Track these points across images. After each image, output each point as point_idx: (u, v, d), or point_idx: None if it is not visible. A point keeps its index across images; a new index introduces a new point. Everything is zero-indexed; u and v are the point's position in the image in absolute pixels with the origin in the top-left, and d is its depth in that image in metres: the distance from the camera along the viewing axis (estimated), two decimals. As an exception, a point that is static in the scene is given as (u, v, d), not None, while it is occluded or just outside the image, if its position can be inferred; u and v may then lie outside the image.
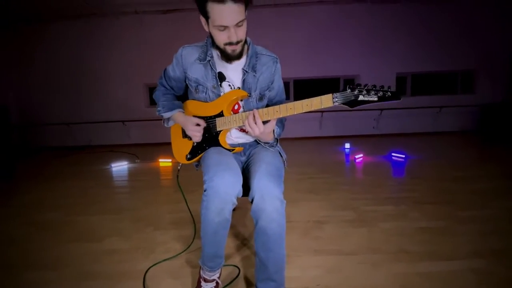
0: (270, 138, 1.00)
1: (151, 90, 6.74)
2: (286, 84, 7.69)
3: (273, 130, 1.01)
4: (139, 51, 6.22)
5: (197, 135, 1.02)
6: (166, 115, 1.09)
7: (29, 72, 6.53)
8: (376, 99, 0.79)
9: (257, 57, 1.05)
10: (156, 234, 1.57)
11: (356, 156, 3.69)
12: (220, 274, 1.00)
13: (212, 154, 0.97)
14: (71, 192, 2.54)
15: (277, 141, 1.09)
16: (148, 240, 1.50)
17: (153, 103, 6.77)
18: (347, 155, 4.05)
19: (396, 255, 1.25)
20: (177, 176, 1.25)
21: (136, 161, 4.34)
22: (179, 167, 1.21)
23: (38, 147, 6.43)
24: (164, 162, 3.95)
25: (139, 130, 6.56)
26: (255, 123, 0.90)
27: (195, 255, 1.31)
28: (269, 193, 0.82)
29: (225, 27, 0.85)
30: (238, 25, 0.85)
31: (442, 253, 1.25)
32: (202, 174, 0.94)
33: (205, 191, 0.84)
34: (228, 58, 0.96)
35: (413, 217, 1.67)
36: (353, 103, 0.81)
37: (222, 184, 0.81)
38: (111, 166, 3.83)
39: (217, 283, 0.97)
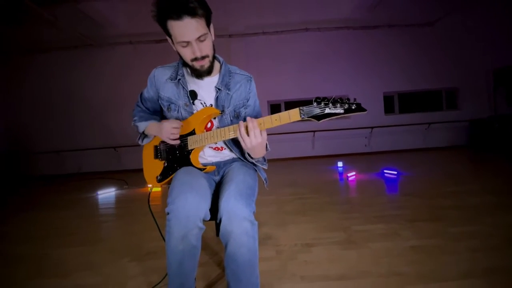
0: (263, 151, 0.96)
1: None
2: (277, 106, 7.85)
3: (266, 144, 0.97)
4: (132, 78, 6.36)
5: (174, 133, 0.98)
6: (140, 124, 1.07)
7: (19, 100, 6.55)
8: (342, 111, 0.78)
9: (230, 76, 1.06)
10: (130, 266, 1.45)
11: (349, 174, 3.66)
12: None
13: (180, 174, 0.92)
14: (49, 223, 2.40)
15: (265, 159, 1.06)
16: (120, 273, 1.38)
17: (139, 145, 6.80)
18: (340, 173, 4.01)
19: (386, 279, 1.16)
20: (148, 200, 1.19)
21: (125, 187, 4.22)
22: (149, 190, 1.16)
23: (25, 176, 6.26)
24: (154, 187, 3.84)
25: (131, 155, 6.49)
26: (253, 132, 0.84)
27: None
28: (236, 214, 0.76)
29: (187, 43, 0.85)
30: (200, 39, 0.86)
31: (434, 274, 1.17)
32: None
33: (167, 215, 0.78)
34: (198, 74, 0.96)
35: (404, 236, 1.59)
36: (320, 117, 0.79)
37: (184, 207, 0.75)
38: (97, 193, 3.70)
39: None
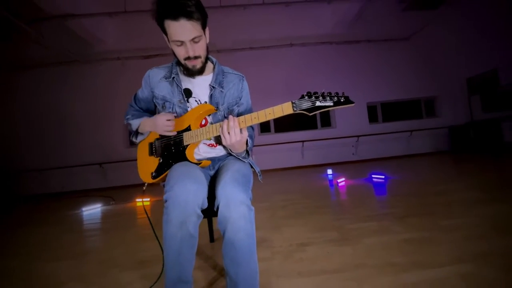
0: (243, 148, 0.99)
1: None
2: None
3: (246, 141, 1.00)
4: (120, 94, 6.32)
5: (169, 125, 0.99)
6: (133, 122, 1.07)
7: (3, 116, 6.32)
8: (331, 104, 0.83)
9: (223, 75, 1.10)
10: (121, 276, 1.39)
11: (339, 180, 3.71)
12: None
13: (176, 166, 0.93)
14: (32, 239, 2.27)
15: (248, 154, 1.07)
16: (112, 283, 1.32)
17: (132, 143, 6.67)
18: (330, 180, 4.06)
19: (382, 269, 1.18)
20: (142, 200, 1.17)
21: (111, 203, 4.06)
22: (144, 188, 1.14)
23: (5, 197, 5.90)
24: (142, 202, 3.72)
25: (117, 172, 6.31)
26: (233, 131, 0.88)
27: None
28: (234, 199, 0.77)
29: (182, 42, 0.90)
30: (194, 40, 0.91)
31: (428, 262, 1.20)
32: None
33: (165, 202, 0.77)
34: (190, 73, 0.99)
35: (396, 231, 1.62)
36: (311, 110, 0.84)
37: (183, 193, 0.75)
38: (81, 210, 3.54)
39: None
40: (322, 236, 1.66)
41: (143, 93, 1.11)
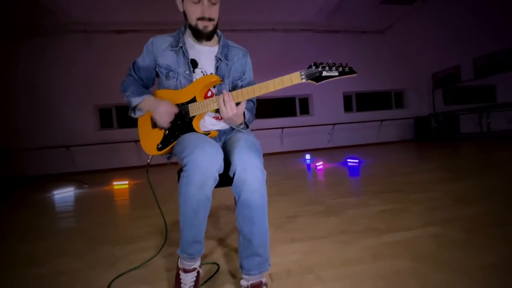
0: (240, 120, 1.02)
1: (103, 112, 6.27)
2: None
3: (244, 113, 1.03)
4: (89, 71, 5.84)
5: (166, 119, 0.98)
6: (135, 100, 1.03)
7: None
8: (337, 74, 0.89)
9: (228, 48, 1.11)
10: (114, 250, 1.37)
11: (317, 164, 3.91)
12: (200, 264, 0.92)
13: (188, 135, 0.94)
14: (6, 220, 2.12)
15: (247, 126, 1.11)
16: (105, 257, 1.30)
17: (105, 125, 6.27)
18: (308, 164, 4.25)
19: (364, 233, 1.32)
20: (147, 170, 1.16)
21: (85, 186, 3.87)
22: (148, 160, 1.13)
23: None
24: (120, 185, 3.60)
25: (87, 155, 5.94)
26: (229, 105, 0.91)
27: (168, 260, 1.19)
28: (251, 164, 0.81)
29: (199, 0, 0.91)
30: (212, 1, 0.92)
31: (402, 226, 1.37)
32: (179, 156, 0.89)
33: (184, 166, 0.79)
34: (199, 35, 0.99)
35: (373, 204, 1.80)
36: (318, 79, 0.89)
37: (204, 157, 0.77)
38: (53, 193, 3.33)
39: (198, 272, 0.88)
40: (309, 210, 1.78)
41: (144, 61, 1.07)
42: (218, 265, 1.11)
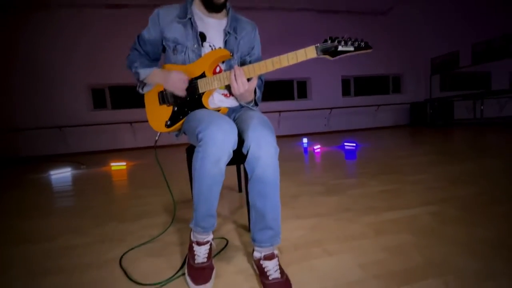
0: (250, 97, 1.01)
1: (95, 92, 6.10)
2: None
3: (254, 90, 1.02)
4: (81, 50, 5.60)
5: (182, 86, 0.96)
6: (142, 71, 1.01)
7: None
8: (352, 49, 0.88)
9: (237, 21, 1.07)
10: (122, 226, 1.40)
11: (315, 147, 3.96)
12: (213, 238, 0.95)
13: (200, 111, 0.93)
14: (3, 199, 2.11)
15: (257, 104, 1.10)
16: (114, 232, 1.33)
17: (98, 106, 6.12)
18: (305, 148, 4.29)
19: (365, 211, 1.37)
20: (155, 148, 1.16)
21: (82, 167, 3.84)
22: (156, 137, 1.13)
23: None
24: (117, 166, 3.58)
25: (80, 136, 5.84)
26: (241, 80, 0.90)
27: (177, 236, 1.22)
28: (265, 140, 0.81)
29: None
30: None
31: (401, 205, 1.42)
32: (191, 132, 0.88)
33: (200, 141, 0.79)
34: (212, 6, 0.96)
35: (372, 185, 1.85)
36: (333, 53, 0.87)
37: (219, 131, 0.77)
38: (49, 174, 3.31)
39: (211, 245, 0.91)
40: (310, 190, 1.83)
41: (150, 34, 1.03)
42: (226, 239, 1.15)
